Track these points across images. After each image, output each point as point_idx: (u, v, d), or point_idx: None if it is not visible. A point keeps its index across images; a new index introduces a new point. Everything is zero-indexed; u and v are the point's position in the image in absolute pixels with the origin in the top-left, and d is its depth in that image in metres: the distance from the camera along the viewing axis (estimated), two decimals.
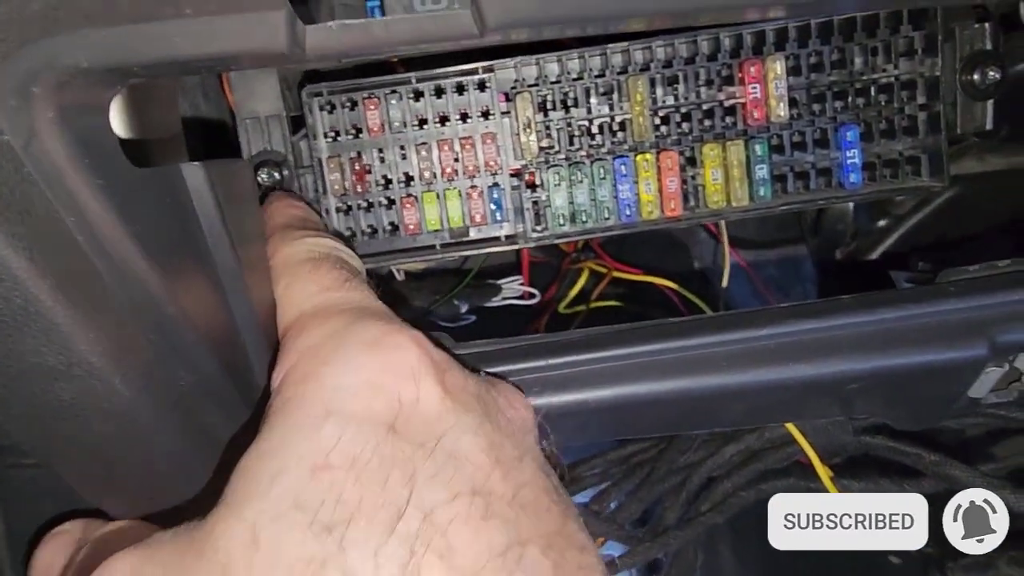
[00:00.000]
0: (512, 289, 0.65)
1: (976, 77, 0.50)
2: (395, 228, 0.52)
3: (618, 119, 0.51)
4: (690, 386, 0.38)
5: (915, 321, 0.38)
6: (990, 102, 0.50)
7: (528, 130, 0.50)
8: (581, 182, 0.51)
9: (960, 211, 0.63)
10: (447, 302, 0.63)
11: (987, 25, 0.49)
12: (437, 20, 0.22)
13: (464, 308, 0.64)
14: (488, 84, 0.50)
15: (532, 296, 0.66)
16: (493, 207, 0.51)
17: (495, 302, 0.65)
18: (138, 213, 0.26)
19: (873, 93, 0.51)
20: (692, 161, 0.51)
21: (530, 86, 0.51)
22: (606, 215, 0.51)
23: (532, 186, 0.52)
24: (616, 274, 0.69)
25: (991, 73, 0.49)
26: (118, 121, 0.28)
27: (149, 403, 0.28)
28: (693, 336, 0.39)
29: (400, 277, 0.65)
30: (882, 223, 0.70)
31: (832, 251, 0.77)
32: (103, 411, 0.27)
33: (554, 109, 0.51)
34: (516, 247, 0.52)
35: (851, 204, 0.68)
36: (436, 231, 0.52)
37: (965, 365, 0.39)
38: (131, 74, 0.23)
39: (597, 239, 0.73)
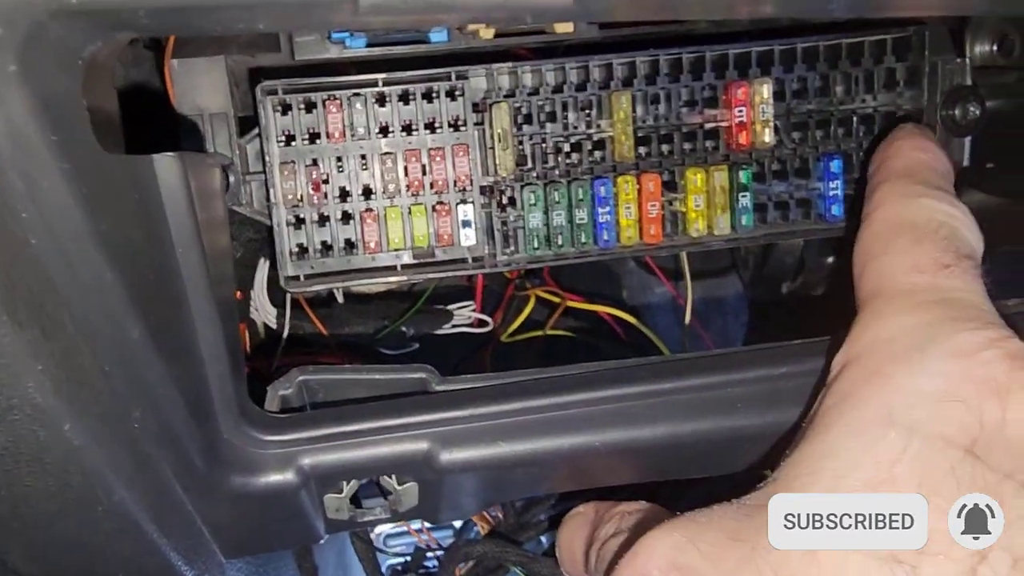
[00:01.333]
0: (463, 316, 0.61)
1: (957, 112, 0.49)
2: (352, 245, 0.47)
3: (596, 137, 0.48)
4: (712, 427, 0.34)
5: None
6: (968, 139, 0.50)
7: (503, 144, 0.46)
8: (558, 203, 0.47)
9: None
10: (395, 329, 0.58)
11: (967, 60, 0.49)
12: None
13: (411, 334, 0.59)
14: (459, 92, 0.46)
15: (484, 324, 0.62)
16: (462, 227, 0.47)
17: (444, 329, 0.61)
18: (104, 208, 0.20)
19: (855, 123, 0.49)
20: (671, 186, 0.49)
21: (505, 96, 0.47)
22: (583, 239, 0.48)
23: (503, 205, 0.48)
24: (570, 304, 0.66)
25: (971, 109, 0.49)
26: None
27: (99, 451, 0.22)
28: (710, 374, 0.35)
29: (341, 299, 0.59)
30: (831, 260, 0.69)
31: (777, 285, 0.76)
32: (42, 459, 0.21)
33: (528, 123, 0.47)
34: (484, 271, 0.48)
35: (801, 239, 0.67)
36: (398, 250, 0.47)
37: None
38: (127, 24, 0.17)
39: (547, 266, 0.69)
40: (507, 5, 0.18)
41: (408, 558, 0.64)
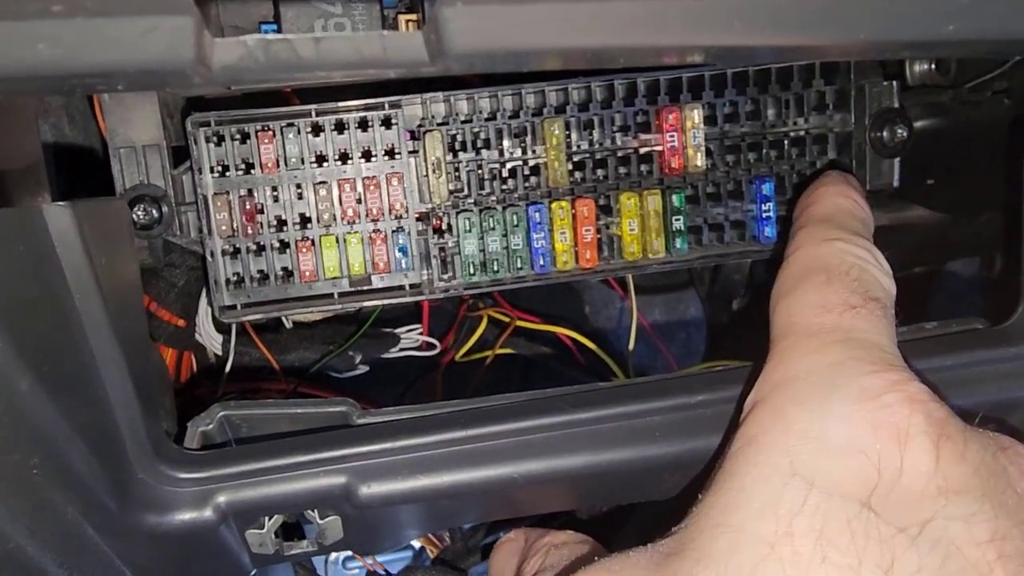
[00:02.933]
0: (410, 339, 0.61)
1: (885, 134, 0.50)
2: (289, 274, 0.47)
3: (531, 163, 0.48)
4: (631, 457, 0.35)
5: None
6: (897, 160, 0.51)
7: (437, 171, 0.47)
8: (493, 229, 0.48)
9: None
10: (342, 353, 0.58)
11: (895, 83, 0.50)
12: (383, 41, 0.18)
13: (359, 359, 0.59)
14: (394, 120, 0.47)
15: (432, 347, 0.62)
16: (399, 254, 0.47)
17: (392, 353, 0.61)
18: None
19: (786, 146, 0.50)
20: (607, 210, 0.49)
21: (439, 124, 0.47)
22: (519, 264, 0.48)
23: (440, 231, 0.48)
24: (520, 323, 0.66)
25: (899, 131, 0.50)
26: None
27: None
28: (632, 402, 0.35)
29: (289, 325, 0.60)
30: None
31: (728, 301, 0.77)
32: None
33: (464, 150, 0.48)
34: (421, 298, 0.48)
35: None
36: (335, 278, 0.47)
37: None
38: None
39: (484, 292, 0.70)
40: (363, 62, 0.19)
41: None
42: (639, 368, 0.79)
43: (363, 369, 0.61)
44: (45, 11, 0.14)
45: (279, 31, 0.44)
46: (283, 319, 0.59)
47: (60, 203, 0.24)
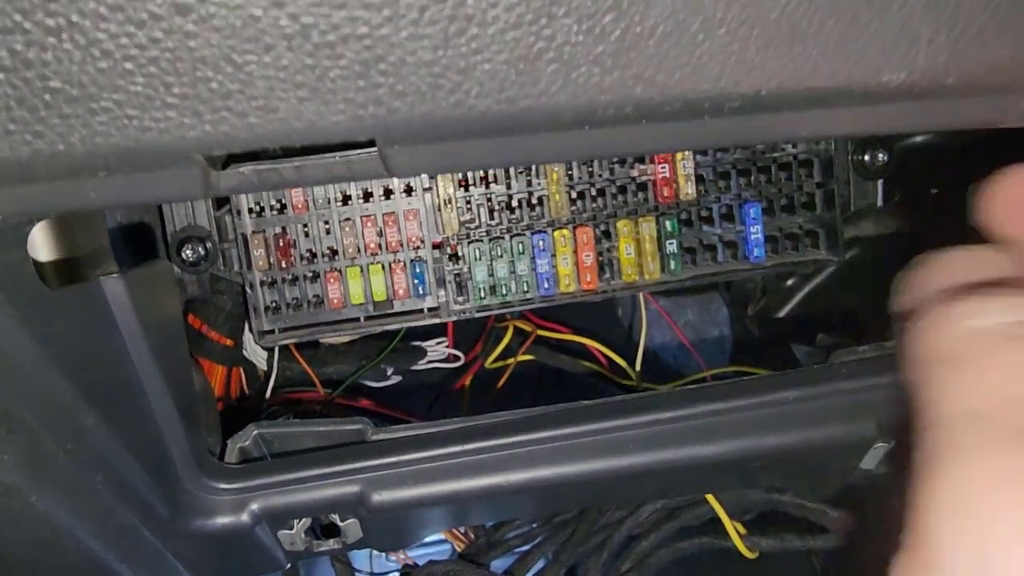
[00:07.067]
0: (437, 352, 0.66)
1: (867, 159, 0.53)
2: (320, 301, 0.53)
3: (536, 195, 0.53)
4: (602, 468, 0.39)
5: (810, 403, 0.41)
6: (880, 181, 0.54)
7: (449, 206, 0.52)
8: (501, 256, 0.53)
9: (860, 272, 0.67)
10: (375, 367, 0.64)
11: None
12: (348, 164, 0.23)
13: (391, 371, 0.65)
14: None
15: (456, 359, 0.68)
16: (416, 281, 0.53)
17: (421, 365, 0.66)
18: (54, 332, 0.26)
19: (774, 171, 0.54)
20: (607, 235, 0.54)
21: None
22: (525, 288, 0.53)
23: (454, 258, 0.53)
24: (540, 332, 0.71)
25: (880, 155, 0.53)
26: (40, 242, 0.29)
27: (64, 512, 0.29)
28: (606, 420, 0.40)
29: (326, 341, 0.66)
30: (789, 282, 0.74)
31: (745, 305, 0.81)
32: (17, 523, 0.27)
33: (475, 185, 0.53)
34: (439, 320, 0.54)
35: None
36: (360, 304, 0.53)
37: (855, 442, 0.41)
38: (45, 217, 0.23)
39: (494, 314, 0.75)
40: (334, 178, 0.24)
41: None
42: (670, 368, 0.84)
43: (395, 379, 0.67)
44: (94, 175, 0.20)
45: None
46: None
47: (115, 274, 0.30)
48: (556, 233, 0.53)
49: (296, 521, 0.40)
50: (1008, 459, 0.22)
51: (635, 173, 0.53)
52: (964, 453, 0.22)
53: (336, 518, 0.40)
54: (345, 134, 0.21)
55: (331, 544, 0.42)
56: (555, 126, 0.20)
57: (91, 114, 0.18)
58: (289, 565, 0.44)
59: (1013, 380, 0.23)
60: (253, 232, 0.51)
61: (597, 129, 0.21)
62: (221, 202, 0.52)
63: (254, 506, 0.38)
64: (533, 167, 0.52)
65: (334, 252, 0.52)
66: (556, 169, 0.52)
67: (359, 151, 0.23)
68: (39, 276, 0.26)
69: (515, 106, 0.20)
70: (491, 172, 0.53)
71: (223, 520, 0.38)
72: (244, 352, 0.62)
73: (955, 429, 0.23)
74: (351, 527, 0.41)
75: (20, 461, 0.26)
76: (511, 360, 0.73)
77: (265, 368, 0.63)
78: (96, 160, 0.19)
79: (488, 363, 0.74)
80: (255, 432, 0.42)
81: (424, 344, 0.67)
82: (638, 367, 0.66)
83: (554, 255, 0.53)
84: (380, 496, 0.39)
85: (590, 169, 0.53)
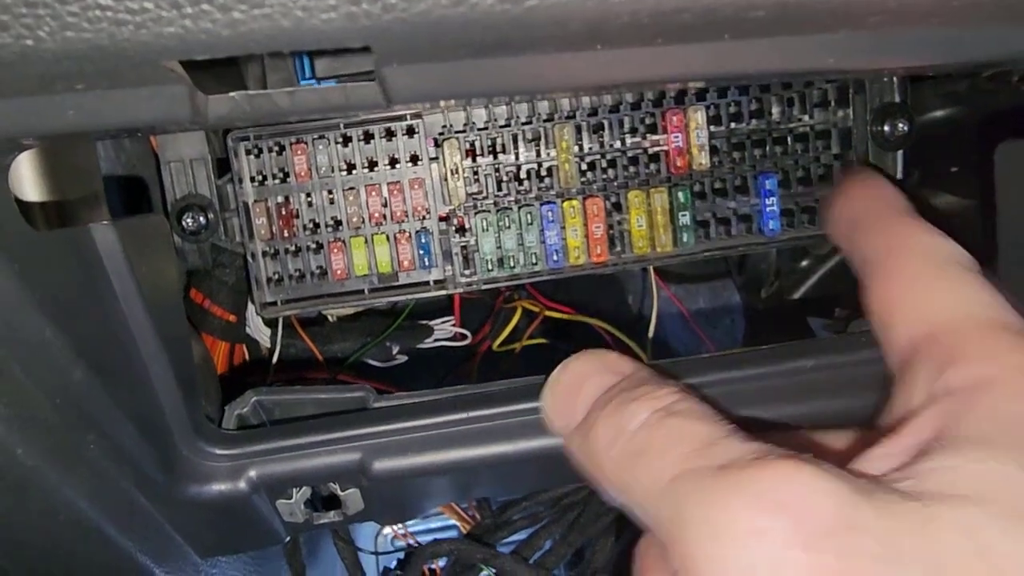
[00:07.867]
0: (444, 330, 0.65)
1: (886, 128, 0.52)
2: (323, 273, 0.51)
3: (545, 165, 0.52)
4: None
5: (828, 372, 0.39)
6: (900, 152, 0.52)
7: (455, 175, 0.51)
8: (509, 227, 0.51)
9: None
10: (379, 344, 0.63)
11: (895, 78, 0.52)
12: (345, 91, 0.22)
13: (396, 349, 0.64)
14: (417, 129, 0.51)
15: (464, 337, 0.66)
16: (421, 252, 0.51)
17: (427, 344, 0.65)
18: (41, 278, 0.25)
19: (790, 142, 0.52)
20: (618, 207, 0.52)
21: (458, 132, 0.51)
22: (534, 260, 0.52)
23: (461, 230, 0.52)
24: (548, 313, 0.70)
25: (900, 125, 0.51)
26: (28, 182, 0.28)
27: (53, 470, 0.27)
28: None
29: (332, 319, 0.64)
30: (804, 263, 0.72)
31: (758, 289, 0.79)
32: (3, 478, 0.26)
33: (482, 155, 0.51)
34: (445, 292, 0.52)
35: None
36: (364, 276, 0.51)
37: (874, 412, 0.40)
38: (22, 146, 0.22)
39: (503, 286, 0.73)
40: (330, 107, 0.23)
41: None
42: (680, 355, 0.82)
43: (401, 359, 0.66)
44: (70, 88, 0.18)
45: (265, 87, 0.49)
46: (325, 313, 0.63)
47: (105, 222, 0.29)
48: (565, 204, 0.51)
49: (295, 490, 0.39)
50: None
51: (647, 144, 0.52)
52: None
53: (336, 488, 0.39)
54: (338, 36, 0.19)
55: (331, 516, 0.41)
56: (564, 39, 0.19)
57: (60, 3, 0.17)
58: (288, 539, 0.43)
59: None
60: (255, 201, 0.50)
61: (609, 50, 0.19)
62: (223, 170, 0.51)
63: (252, 473, 0.37)
64: (542, 134, 0.51)
65: (338, 222, 0.51)
66: (566, 138, 0.51)
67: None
68: (24, 216, 0.24)
69: (519, 6, 0.18)
70: (499, 141, 0.51)
71: (219, 487, 0.37)
72: (247, 329, 0.61)
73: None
74: (352, 497, 0.39)
75: (3, 412, 0.25)
76: (517, 344, 0.72)
77: (268, 345, 0.62)
78: (69, 64, 0.18)
79: (496, 345, 0.73)
80: (254, 399, 0.40)
81: (431, 322, 0.65)
82: (648, 350, 0.65)
83: (563, 226, 0.52)
84: (382, 464, 0.37)
85: (601, 139, 0.51)
